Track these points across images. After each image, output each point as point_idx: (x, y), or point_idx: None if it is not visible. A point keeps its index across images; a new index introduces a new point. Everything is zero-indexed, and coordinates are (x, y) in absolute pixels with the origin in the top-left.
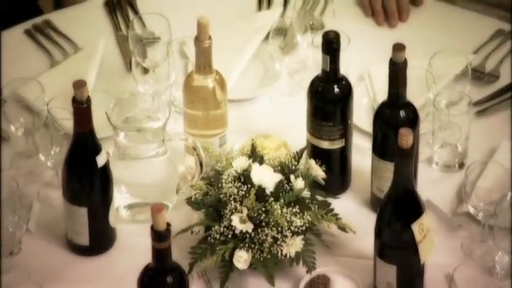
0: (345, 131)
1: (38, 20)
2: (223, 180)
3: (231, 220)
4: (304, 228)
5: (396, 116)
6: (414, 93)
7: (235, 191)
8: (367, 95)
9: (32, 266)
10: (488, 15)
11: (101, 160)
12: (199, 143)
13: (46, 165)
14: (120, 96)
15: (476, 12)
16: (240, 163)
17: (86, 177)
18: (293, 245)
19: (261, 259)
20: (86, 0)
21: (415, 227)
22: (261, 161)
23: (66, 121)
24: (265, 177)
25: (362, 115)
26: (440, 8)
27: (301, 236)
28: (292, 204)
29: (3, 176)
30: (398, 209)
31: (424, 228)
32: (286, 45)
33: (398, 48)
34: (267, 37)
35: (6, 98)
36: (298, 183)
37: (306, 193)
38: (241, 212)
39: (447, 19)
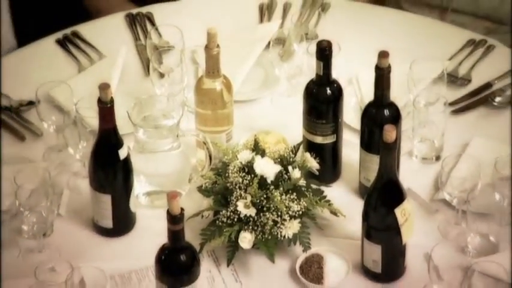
0: (336, 128)
1: (68, 31)
2: (230, 171)
3: (236, 206)
4: (300, 212)
5: (381, 115)
6: (397, 95)
7: (240, 180)
8: (356, 96)
9: (63, 246)
10: (476, 26)
11: (122, 153)
12: (209, 138)
13: (75, 157)
14: (139, 97)
15: (466, 23)
16: (245, 156)
17: (110, 168)
18: (291, 228)
19: (263, 240)
20: (110, 13)
21: (398, 211)
22: (262, 154)
23: (92, 119)
24: (267, 168)
25: (351, 114)
26: (420, 20)
27: (298, 220)
28: (290, 191)
29: (38, 168)
30: (383, 196)
31: (406, 213)
32: (285, 53)
33: (383, 55)
34: (267, 46)
35: (39, 98)
36: (295, 174)
37: (302, 182)
38: (246, 199)
39: (426, 30)
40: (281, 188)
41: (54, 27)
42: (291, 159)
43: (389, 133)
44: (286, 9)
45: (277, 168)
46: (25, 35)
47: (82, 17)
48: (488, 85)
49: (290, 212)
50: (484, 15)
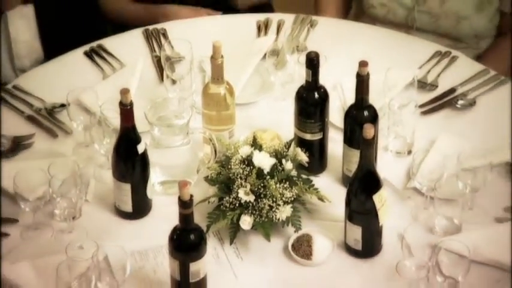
0: (323, 127)
1: (94, 44)
2: (232, 163)
3: (238, 193)
4: (292, 199)
5: (361, 115)
6: (374, 98)
7: (241, 171)
8: (339, 100)
9: (89, 227)
10: (437, 43)
11: (140, 148)
12: (214, 136)
13: (100, 152)
14: (154, 100)
15: (429, 40)
16: (245, 150)
17: (130, 161)
18: (284, 212)
19: (261, 222)
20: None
21: (376, 198)
22: (260, 148)
23: (115, 119)
24: (264, 161)
25: (335, 114)
26: (394, 34)
27: (290, 205)
28: (283, 181)
29: (68, 161)
30: (363, 185)
31: (382, 199)
32: (279, 62)
33: (363, 64)
34: (264, 57)
35: (69, 101)
36: (288, 165)
37: (294, 173)
38: (246, 187)
39: (399, 43)
40: (276, 178)
41: (78, 41)
42: (284, 153)
43: (368, 131)
44: (280, 25)
45: (273, 161)
46: (52, 48)
47: (102, 33)
48: (452, 90)
49: (283, 198)
50: (443, 33)
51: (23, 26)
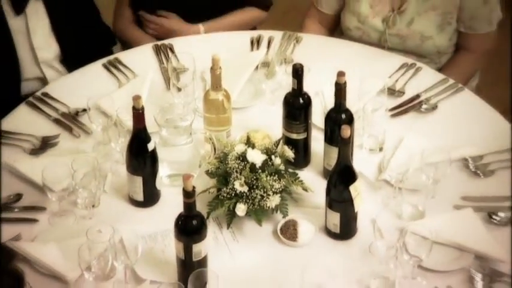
0: (307, 127)
1: (111, 57)
2: (229, 159)
3: (234, 184)
4: (280, 189)
5: (339, 118)
6: (351, 103)
7: (237, 166)
8: (321, 104)
9: (107, 214)
10: (405, 56)
11: (150, 146)
12: (214, 135)
13: (116, 149)
14: (162, 105)
15: (397, 54)
16: (240, 148)
17: (141, 157)
18: (274, 200)
19: (253, 209)
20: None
21: (352, 188)
22: (253, 146)
23: (128, 121)
24: (256, 157)
25: (318, 117)
26: (367, 48)
27: (279, 195)
28: (273, 174)
29: (89, 157)
30: (341, 177)
31: (357, 189)
32: (269, 72)
33: (341, 74)
34: (256, 68)
35: (90, 106)
36: (277, 161)
37: (282, 167)
38: (241, 179)
39: (372, 56)
40: (266, 172)
41: (88, 38)
42: (274, 150)
43: (345, 131)
44: (270, 41)
45: (264, 157)
46: (66, 40)
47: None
48: (417, 96)
49: (273, 189)
50: (410, 51)
51: (37, 19)
